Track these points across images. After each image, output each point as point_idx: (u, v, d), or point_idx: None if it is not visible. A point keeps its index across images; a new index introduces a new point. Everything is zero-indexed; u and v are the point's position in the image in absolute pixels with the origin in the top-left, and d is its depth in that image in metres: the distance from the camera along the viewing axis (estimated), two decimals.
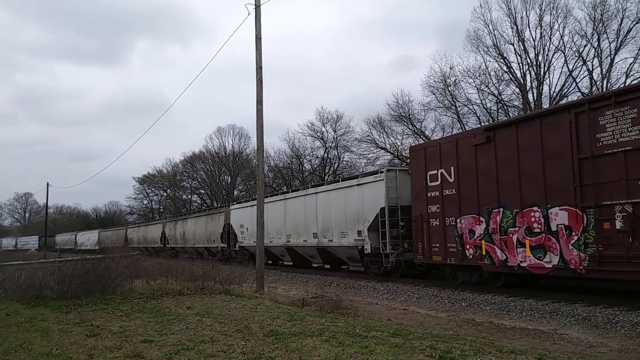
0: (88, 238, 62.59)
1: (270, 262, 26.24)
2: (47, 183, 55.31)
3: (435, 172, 15.05)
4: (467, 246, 13.86)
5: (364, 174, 21.11)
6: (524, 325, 9.74)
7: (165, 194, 75.80)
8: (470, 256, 13.77)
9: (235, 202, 33.94)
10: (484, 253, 13.33)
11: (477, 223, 13.57)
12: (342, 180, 20.70)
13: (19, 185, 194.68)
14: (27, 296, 10.75)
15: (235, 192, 62.74)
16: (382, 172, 17.65)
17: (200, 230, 35.90)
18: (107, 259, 12.76)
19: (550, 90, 31.68)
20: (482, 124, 29.81)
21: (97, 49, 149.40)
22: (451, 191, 14.47)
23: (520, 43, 32.33)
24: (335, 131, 49.20)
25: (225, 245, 31.51)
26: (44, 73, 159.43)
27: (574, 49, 30.05)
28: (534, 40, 31.88)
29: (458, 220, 14.16)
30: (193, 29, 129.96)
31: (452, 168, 14.44)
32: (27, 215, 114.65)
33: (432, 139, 34.89)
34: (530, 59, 32.30)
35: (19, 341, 6.64)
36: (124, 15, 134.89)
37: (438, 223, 14.87)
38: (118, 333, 7.35)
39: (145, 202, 78.95)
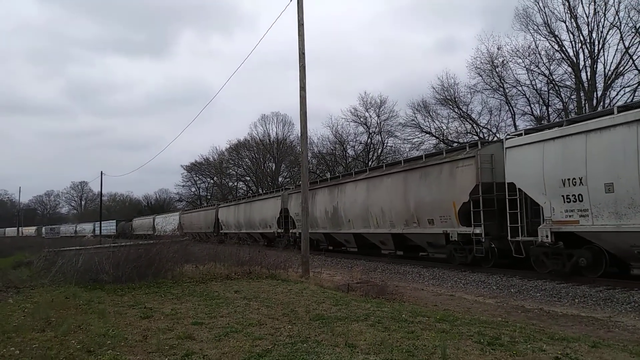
0: (167, 222, 54.40)
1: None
2: (101, 172, 57.39)
3: None
4: None
5: None
6: (576, 313, 9.42)
7: (212, 181, 77.58)
8: None
9: (519, 132, 14.40)
10: None
11: None
12: None
13: (75, 174, 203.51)
14: (85, 280, 11.26)
15: (280, 179, 63.46)
16: None
17: (387, 203, 18.79)
18: (159, 244, 13.19)
19: (605, 68, 30.38)
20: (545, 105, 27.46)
21: (145, 41, 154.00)
22: None
23: (572, 20, 31.07)
24: (378, 116, 48.89)
25: (478, 232, 14.86)
26: (96, 66, 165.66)
27: (630, 24, 28.65)
28: (587, 17, 30.57)
29: None
30: (235, 18, 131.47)
31: None
32: (83, 202, 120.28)
33: (479, 122, 33.69)
34: (583, 36, 31.01)
35: (77, 322, 6.97)
36: (170, 7, 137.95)
37: None
38: (170, 315, 7.61)
39: (193, 189, 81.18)
